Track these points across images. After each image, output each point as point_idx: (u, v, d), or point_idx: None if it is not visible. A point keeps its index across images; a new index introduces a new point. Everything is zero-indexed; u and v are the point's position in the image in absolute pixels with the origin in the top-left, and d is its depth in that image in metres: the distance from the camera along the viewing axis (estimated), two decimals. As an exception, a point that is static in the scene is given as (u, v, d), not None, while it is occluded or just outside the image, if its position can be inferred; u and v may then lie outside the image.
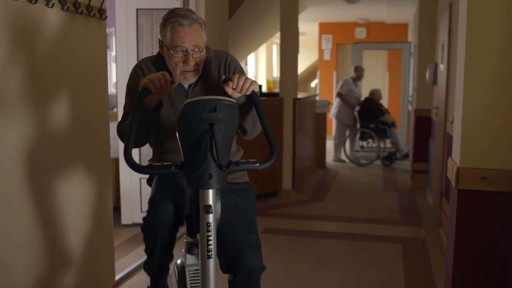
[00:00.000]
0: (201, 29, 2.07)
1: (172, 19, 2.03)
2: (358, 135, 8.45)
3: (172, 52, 2.03)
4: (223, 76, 1.97)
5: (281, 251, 4.12)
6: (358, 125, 8.39)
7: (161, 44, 2.11)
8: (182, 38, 2.01)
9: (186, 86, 2.16)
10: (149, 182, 2.41)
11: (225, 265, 2.10)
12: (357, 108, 8.38)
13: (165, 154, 2.21)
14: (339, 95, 8.37)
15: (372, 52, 11.15)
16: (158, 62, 2.19)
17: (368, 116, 8.33)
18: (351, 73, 8.54)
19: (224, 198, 2.04)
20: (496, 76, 2.12)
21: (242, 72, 2.18)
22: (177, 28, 2.01)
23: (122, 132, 2.12)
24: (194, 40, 2.03)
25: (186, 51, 2.03)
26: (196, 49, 2.05)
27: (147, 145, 2.27)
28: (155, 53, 4.62)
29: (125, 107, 2.19)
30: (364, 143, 9.08)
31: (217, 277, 1.86)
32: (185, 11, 2.06)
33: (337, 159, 8.55)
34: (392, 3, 8.25)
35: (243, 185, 2.29)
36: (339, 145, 8.54)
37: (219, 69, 2.18)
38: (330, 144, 10.05)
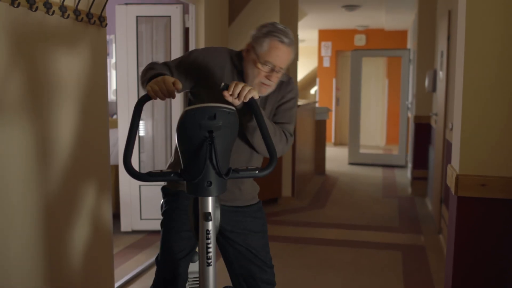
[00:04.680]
0: (293, 52, 2.09)
1: (275, 32, 2.03)
2: None
3: (260, 63, 2.04)
4: (222, 84, 1.96)
5: (280, 258, 4.11)
6: None
7: (250, 48, 2.10)
8: (277, 56, 2.02)
9: None
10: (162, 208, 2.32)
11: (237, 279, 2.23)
12: None
13: None
14: None
15: (372, 59, 11.17)
16: (236, 58, 2.17)
17: None
18: None
19: (243, 222, 2.24)
20: (495, 83, 2.13)
21: (288, 113, 2.19)
22: (277, 44, 2.02)
23: (143, 76, 2.05)
24: (284, 62, 2.05)
25: (274, 68, 2.04)
26: (281, 70, 2.07)
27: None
28: (154, 59, 4.67)
29: (166, 62, 2.16)
30: None
31: (216, 285, 1.86)
32: (286, 29, 2.06)
33: None
34: (391, 10, 8.28)
35: (257, 205, 2.34)
36: None
37: (279, 93, 2.18)
38: (329, 151, 10.05)
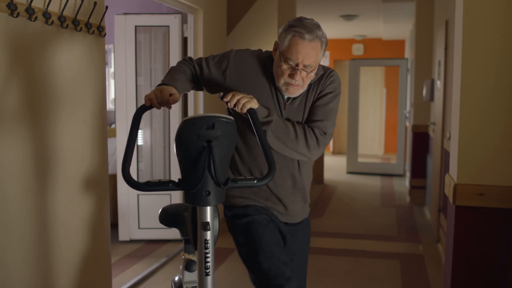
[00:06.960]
0: (320, 48, 1.93)
1: (296, 28, 1.90)
2: None
3: (282, 61, 1.93)
4: (220, 94, 1.95)
5: (279, 267, 4.10)
6: None
7: (276, 47, 1.99)
8: (296, 53, 1.90)
9: (285, 97, 2.05)
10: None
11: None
12: None
13: (242, 163, 2.13)
14: None
15: (369, 68, 11.21)
16: (268, 60, 2.06)
17: None
18: None
19: (296, 236, 2.18)
20: (492, 92, 2.14)
21: (323, 108, 2.04)
22: (297, 40, 1.89)
23: (181, 63, 2.07)
24: (308, 59, 1.91)
25: (297, 65, 1.91)
26: (306, 68, 1.93)
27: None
28: (153, 69, 4.68)
29: (199, 58, 2.11)
30: None
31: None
32: (311, 24, 1.93)
33: None
34: (389, 19, 8.32)
35: (307, 220, 2.29)
36: None
37: (318, 88, 2.06)
38: (327, 160, 10.05)
